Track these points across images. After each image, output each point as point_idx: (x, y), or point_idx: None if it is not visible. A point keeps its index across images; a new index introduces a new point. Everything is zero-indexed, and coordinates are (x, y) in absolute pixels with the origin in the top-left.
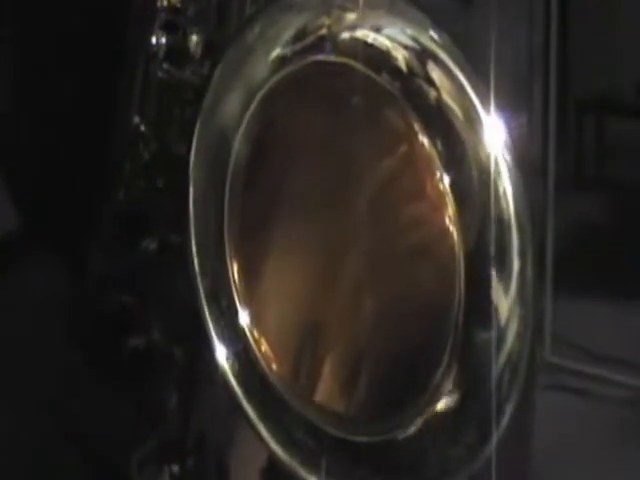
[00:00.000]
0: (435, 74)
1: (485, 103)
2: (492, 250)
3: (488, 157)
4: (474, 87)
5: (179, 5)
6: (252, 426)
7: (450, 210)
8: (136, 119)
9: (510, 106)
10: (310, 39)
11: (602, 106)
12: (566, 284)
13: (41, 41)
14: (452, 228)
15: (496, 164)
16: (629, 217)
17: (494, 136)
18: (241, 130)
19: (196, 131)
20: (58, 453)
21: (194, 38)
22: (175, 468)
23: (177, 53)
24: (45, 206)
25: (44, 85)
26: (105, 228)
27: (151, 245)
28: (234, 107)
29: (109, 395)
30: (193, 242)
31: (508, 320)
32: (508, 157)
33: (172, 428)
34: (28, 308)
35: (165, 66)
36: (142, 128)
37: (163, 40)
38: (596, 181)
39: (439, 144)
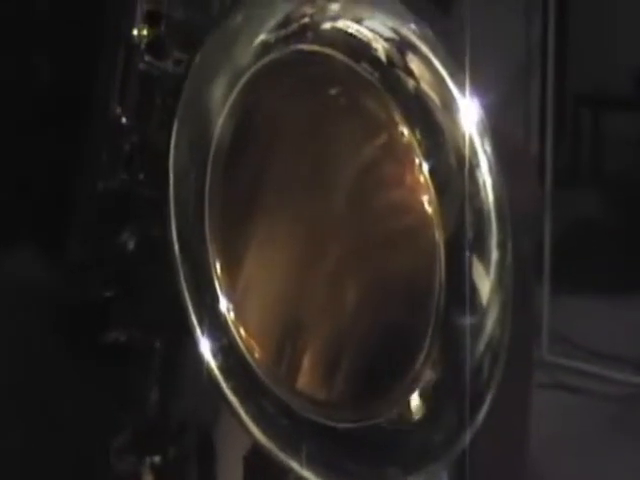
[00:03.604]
0: (414, 65)
1: (463, 91)
2: (470, 235)
3: (467, 146)
4: (453, 77)
5: None
6: (234, 412)
7: (430, 197)
8: (117, 110)
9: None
10: (293, 27)
11: (599, 99)
12: (563, 281)
13: (20, 30)
14: (432, 215)
15: (475, 155)
16: (626, 211)
17: (472, 123)
18: (223, 115)
19: (178, 113)
20: (36, 442)
21: (175, 29)
22: (156, 458)
23: (158, 44)
24: (24, 196)
25: (24, 76)
26: (84, 220)
27: (131, 238)
28: (217, 92)
29: (87, 384)
30: (174, 234)
31: (488, 305)
32: (488, 148)
33: (151, 418)
34: (6, 298)
35: (146, 58)
36: (123, 120)
37: (144, 32)
38: (593, 175)
39: (418, 133)
